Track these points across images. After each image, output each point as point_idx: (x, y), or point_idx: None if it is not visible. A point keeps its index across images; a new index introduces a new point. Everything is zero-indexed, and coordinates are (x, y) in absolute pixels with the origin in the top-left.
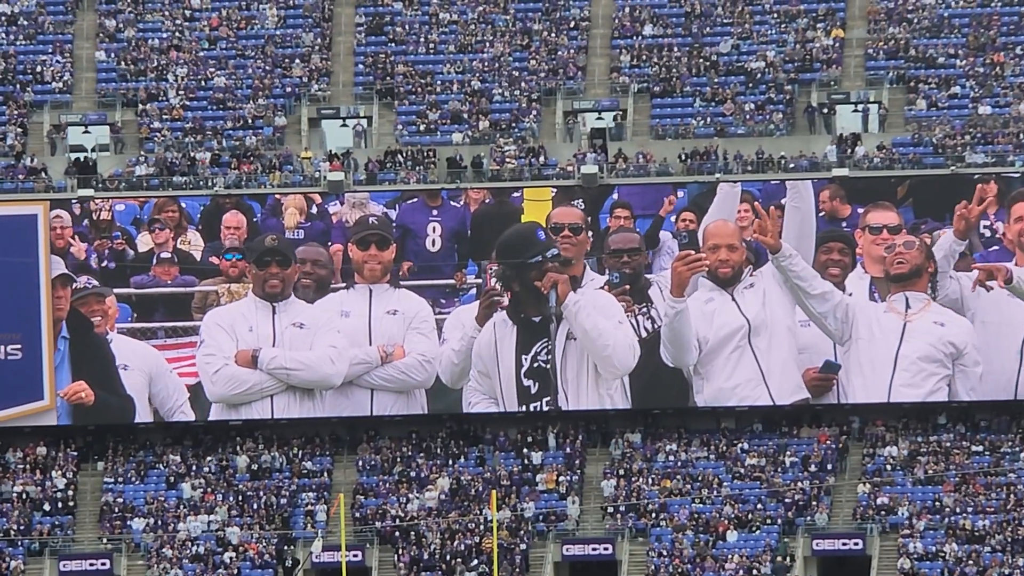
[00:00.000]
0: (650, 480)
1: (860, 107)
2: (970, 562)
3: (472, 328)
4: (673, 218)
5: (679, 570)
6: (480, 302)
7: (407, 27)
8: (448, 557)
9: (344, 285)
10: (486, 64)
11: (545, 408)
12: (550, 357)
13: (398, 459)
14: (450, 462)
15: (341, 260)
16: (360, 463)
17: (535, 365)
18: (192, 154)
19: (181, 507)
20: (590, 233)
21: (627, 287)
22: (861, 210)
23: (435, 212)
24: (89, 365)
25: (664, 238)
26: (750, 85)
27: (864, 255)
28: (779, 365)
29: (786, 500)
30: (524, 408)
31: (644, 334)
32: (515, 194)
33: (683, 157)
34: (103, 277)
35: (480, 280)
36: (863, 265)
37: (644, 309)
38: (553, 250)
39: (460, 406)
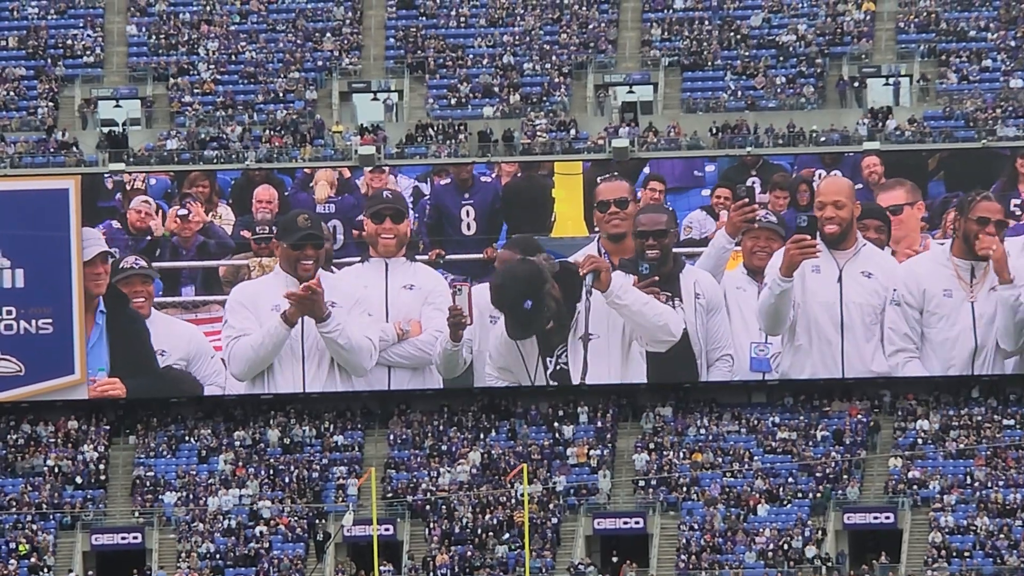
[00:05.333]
0: (681, 454)
1: (891, 80)
2: (1001, 535)
3: (447, 343)
4: (706, 192)
5: (710, 544)
6: (448, 320)
7: (438, 1)
8: (479, 531)
9: (359, 259)
10: (517, 38)
11: (578, 382)
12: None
13: (429, 433)
14: (481, 436)
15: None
16: (391, 437)
17: (558, 368)
18: (222, 128)
19: (213, 481)
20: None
21: (655, 278)
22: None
23: (467, 195)
24: (125, 342)
25: (695, 219)
26: (781, 59)
27: None
28: (857, 345)
29: (817, 474)
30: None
31: None
32: (546, 168)
33: (714, 131)
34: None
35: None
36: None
37: (669, 302)
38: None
39: (473, 380)
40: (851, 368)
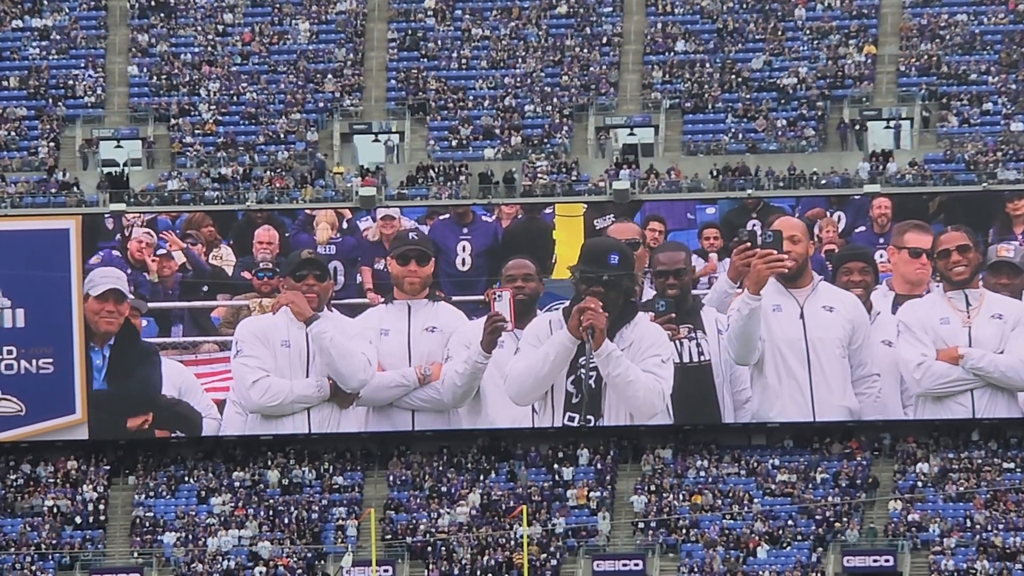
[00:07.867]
0: (681, 496)
1: (892, 123)
2: None
3: (478, 354)
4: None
5: None
6: (484, 327)
7: (439, 43)
8: (478, 572)
9: (383, 301)
10: (518, 80)
11: (578, 423)
12: (593, 374)
13: (429, 474)
14: (481, 477)
15: (371, 278)
16: (391, 478)
17: (579, 374)
18: (219, 170)
19: (212, 522)
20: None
21: (672, 315)
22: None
23: (465, 231)
24: (132, 376)
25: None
26: (782, 101)
27: (895, 274)
28: (826, 380)
29: (817, 516)
30: (564, 414)
31: (692, 360)
32: (547, 210)
33: (715, 173)
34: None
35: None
36: (889, 283)
37: (692, 335)
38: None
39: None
40: (821, 405)
